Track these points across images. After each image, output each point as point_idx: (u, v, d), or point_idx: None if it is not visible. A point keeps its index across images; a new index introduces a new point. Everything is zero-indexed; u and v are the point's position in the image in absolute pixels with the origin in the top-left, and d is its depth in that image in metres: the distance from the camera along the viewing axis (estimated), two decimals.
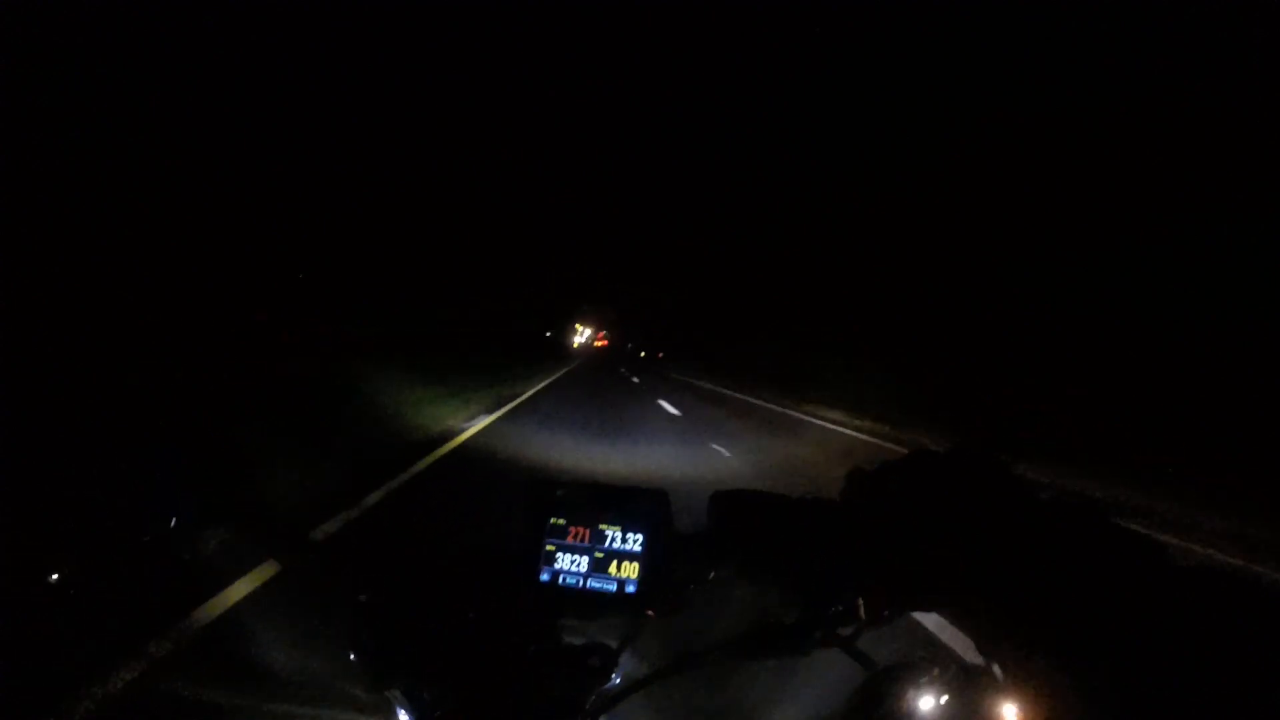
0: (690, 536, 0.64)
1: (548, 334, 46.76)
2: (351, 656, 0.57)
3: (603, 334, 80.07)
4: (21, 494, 0.54)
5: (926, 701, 0.54)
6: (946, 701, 0.54)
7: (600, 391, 14.34)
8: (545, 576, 0.64)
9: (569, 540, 0.64)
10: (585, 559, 0.64)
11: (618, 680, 0.62)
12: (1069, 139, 15.53)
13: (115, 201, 10.02)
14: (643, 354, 60.21)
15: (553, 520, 0.65)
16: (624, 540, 0.64)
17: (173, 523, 0.58)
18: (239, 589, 2.22)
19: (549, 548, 0.64)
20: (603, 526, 0.64)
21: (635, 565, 0.63)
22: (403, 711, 0.58)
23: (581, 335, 75.10)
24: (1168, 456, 7.55)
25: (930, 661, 0.56)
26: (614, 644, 0.63)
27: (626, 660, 0.62)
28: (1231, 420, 8.54)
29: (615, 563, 0.64)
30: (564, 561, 0.64)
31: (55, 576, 0.55)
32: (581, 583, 0.63)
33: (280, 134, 15.35)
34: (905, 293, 19.78)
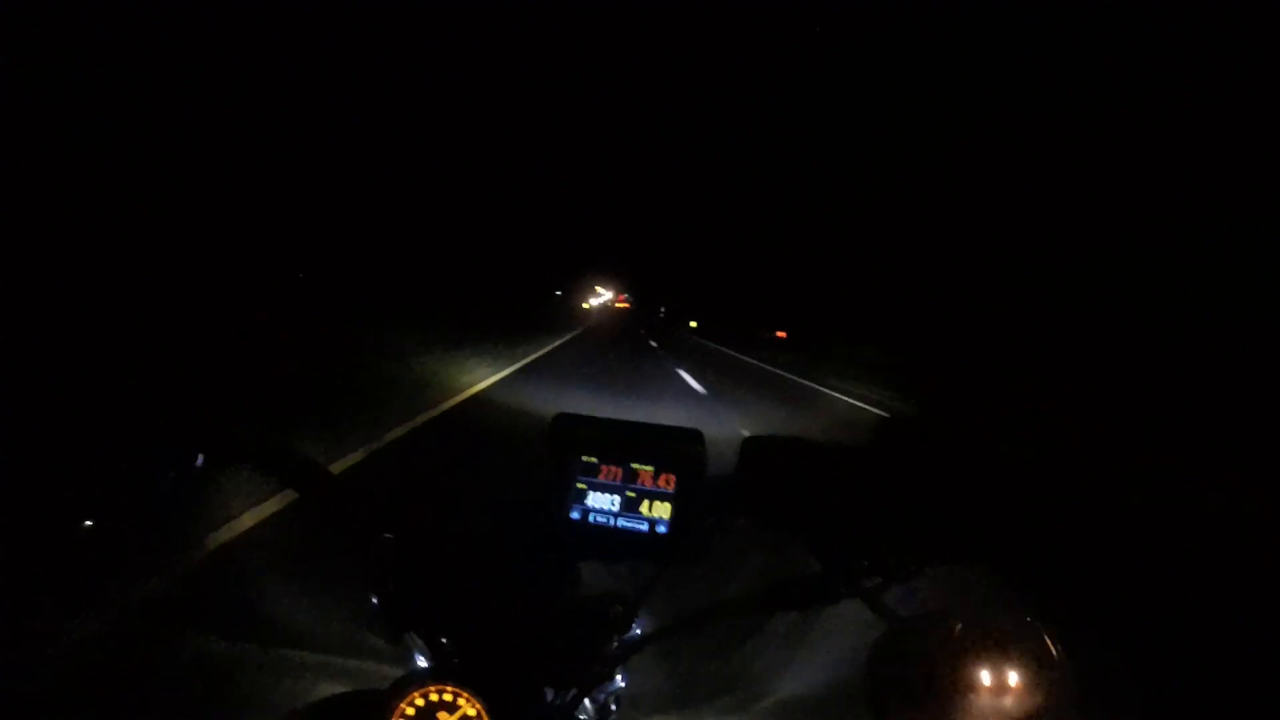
0: (720, 480, 0.63)
1: (558, 293, 43.85)
2: (372, 600, 0.57)
3: (623, 296, 76.34)
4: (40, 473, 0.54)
5: (953, 655, 0.53)
6: (975, 655, 0.52)
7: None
8: (575, 515, 0.63)
9: (600, 479, 0.64)
10: (616, 498, 0.63)
11: (638, 631, 0.61)
12: (1069, 139, 15.56)
13: (115, 202, 10.02)
14: (694, 324, 43.97)
15: (584, 458, 0.64)
16: (656, 480, 0.63)
17: (199, 460, 0.58)
18: (247, 522, 2.25)
19: (580, 485, 0.63)
20: (635, 465, 0.63)
21: (667, 506, 0.62)
22: (420, 657, 0.57)
23: (599, 297, 70.96)
24: (1168, 456, 7.54)
25: (957, 615, 0.54)
26: (635, 592, 0.62)
27: (647, 611, 0.62)
28: (1231, 420, 8.54)
29: (647, 502, 0.63)
30: (595, 500, 0.63)
31: (89, 523, 0.55)
32: (612, 521, 0.63)
33: (280, 134, 15.36)
34: (904, 293, 19.79)
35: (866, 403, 10.19)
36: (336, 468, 4.08)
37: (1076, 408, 10.10)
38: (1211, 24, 12.39)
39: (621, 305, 71.41)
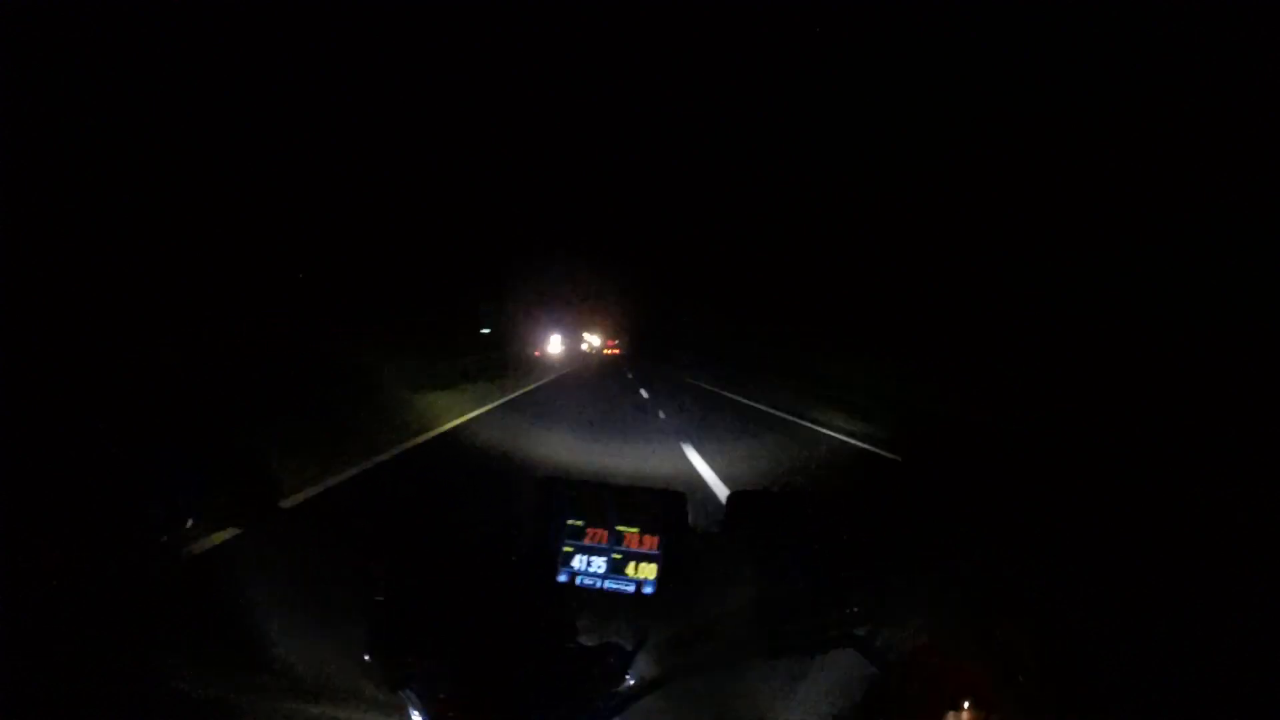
0: (707, 536, 0.64)
1: (485, 331, 23.82)
2: (366, 656, 0.57)
3: (613, 341, 61.17)
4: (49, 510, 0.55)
5: (943, 699, 0.54)
6: (962, 700, 0.54)
7: None
8: (563, 577, 0.64)
9: (586, 541, 0.65)
10: (603, 560, 0.64)
11: (632, 681, 0.61)
12: (1069, 139, 15.56)
13: (116, 203, 10.03)
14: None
15: (570, 521, 0.65)
16: (641, 542, 0.64)
17: (188, 524, 0.58)
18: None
19: (566, 549, 0.64)
20: (620, 528, 0.64)
21: (653, 566, 0.63)
22: (415, 712, 0.58)
23: (585, 343, 54.39)
24: (1169, 465, 7.54)
25: (947, 660, 0.56)
26: (629, 645, 0.62)
27: (641, 661, 0.62)
28: (1232, 426, 8.53)
29: (633, 564, 0.64)
30: (582, 563, 0.64)
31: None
32: (599, 584, 0.64)
33: (280, 134, 15.36)
34: (900, 297, 19.78)
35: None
36: None
37: (1077, 408, 10.11)
38: (1211, 24, 12.40)
39: (611, 352, 56.66)
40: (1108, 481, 6.90)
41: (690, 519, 0.66)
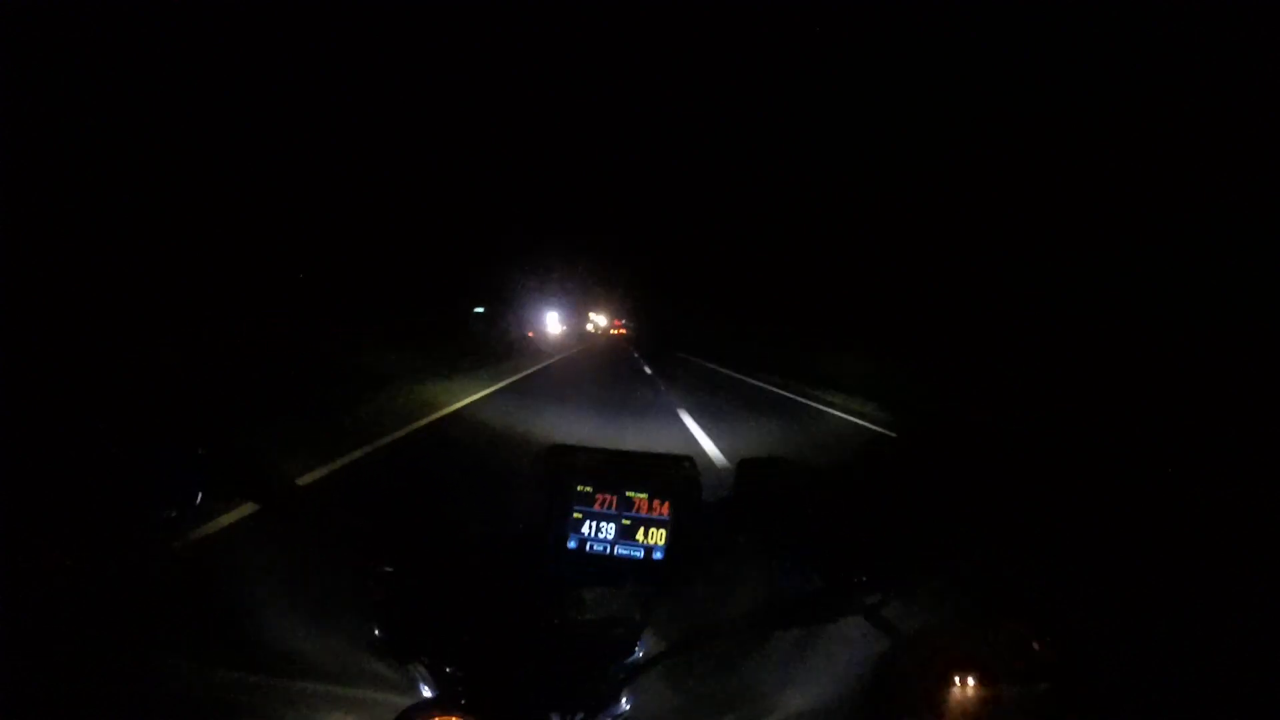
0: (716, 503, 0.64)
1: (478, 310, 22.91)
2: (376, 631, 0.57)
3: (620, 321, 61.22)
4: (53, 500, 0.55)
5: (953, 669, 0.53)
6: (975, 669, 0.53)
7: None
8: (573, 544, 0.63)
9: (596, 508, 0.64)
10: (612, 526, 0.64)
11: (641, 653, 0.61)
12: (1069, 139, 15.53)
13: (116, 202, 10.02)
14: None
15: (580, 487, 0.64)
16: (651, 507, 0.64)
17: (198, 498, 0.58)
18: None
19: (576, 515, 0.64)
20: (630, 493, 0.64)
21: (663, 532, 0.63)
22: (425, 685, 0.58)
23: (590, 323, 54.13)
24: (1169, 464, 7.53)
25: (957, 629, 0.55)
26: (637, 616, 0.62)
27: (650, 633, 0.62)
28: (1232, 424, 8.52)
29: (643, 529, 0.63)
30: (591, 528, 0.64)
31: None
32: (609, 550, 0.63)
33: (280, 133, 15.33)
34: (900, 296, 19.73)
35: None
36: None
37: (1076, 407, 10.10)
38: (1211, 24, 12.38)
39: (618, 332, 57.44)
40: (1108, 481, 6.89)
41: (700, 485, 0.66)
